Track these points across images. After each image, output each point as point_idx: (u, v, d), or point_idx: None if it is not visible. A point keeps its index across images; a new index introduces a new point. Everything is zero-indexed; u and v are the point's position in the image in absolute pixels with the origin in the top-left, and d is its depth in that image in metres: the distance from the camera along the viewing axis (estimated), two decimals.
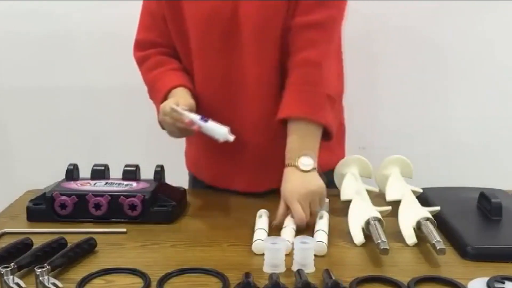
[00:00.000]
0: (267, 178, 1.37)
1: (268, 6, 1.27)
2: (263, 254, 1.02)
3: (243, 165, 1.39)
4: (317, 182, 1.22)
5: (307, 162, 1.23)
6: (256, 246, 1.08)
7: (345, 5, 1.34)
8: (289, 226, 1.16)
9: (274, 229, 1.17)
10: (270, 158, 1.35)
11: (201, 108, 1.32)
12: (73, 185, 1.29)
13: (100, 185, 1.29)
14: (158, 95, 1.34)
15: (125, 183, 1.31)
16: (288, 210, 1.20)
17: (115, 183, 1.30)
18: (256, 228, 1.15)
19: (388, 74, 2.05)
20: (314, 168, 1.23)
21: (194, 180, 1.54)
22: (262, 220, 1.19)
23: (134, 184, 1.30)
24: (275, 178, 1.27)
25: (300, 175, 1.22)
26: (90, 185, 1.29)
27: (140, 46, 1.42)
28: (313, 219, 1.20)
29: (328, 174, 1.33)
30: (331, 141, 1.31)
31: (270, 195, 1.37)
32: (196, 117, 1.22)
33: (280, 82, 1.32)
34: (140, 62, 1.42)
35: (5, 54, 2.05)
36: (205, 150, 1.45)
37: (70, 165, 1.35)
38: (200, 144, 1.45)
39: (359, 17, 1.98)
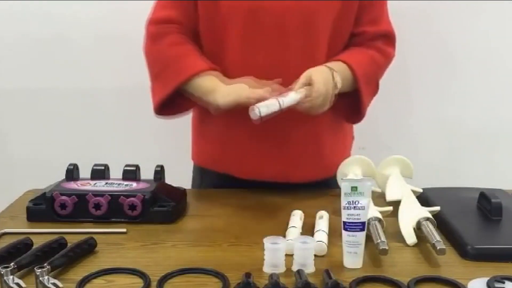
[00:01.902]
0: (302, 169, 1.39)
1: (315, 4, 1.30)
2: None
3: (280, 155, 1.38)
4: (331, 102, 1.28)
5: (339, 82, 1.29)
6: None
7: None
8: (293, 226, 1.16)
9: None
10: (311, 150, 1.35)
11: None
12: (73, 185, 1.29)
13: (100, 185, 1.29)
14: (182, 73, 1.31)
15: (125, 183, 1.31)
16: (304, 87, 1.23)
17: (115, 183, 1.30)
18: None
19: (388, 74, 2.05)
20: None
21: (202, 175, 1.52)
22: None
23: (134, 184, 1.30)
24: (309, 171, 1.37)
25: (331, 81, 1.27)
26: (90, 185, 1.29)
27: (158, 21, 1.37)
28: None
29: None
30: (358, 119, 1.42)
31: (268, 194, 1.37)
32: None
33: None
34: (158, 35, 1.36)
35: (5, 55, 2.05)
36: (238, 144, 1.40)
37: (70, 165, 1.35)
38: (232, 138, 1.40)
39: None
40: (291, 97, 1.21)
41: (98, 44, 2.02)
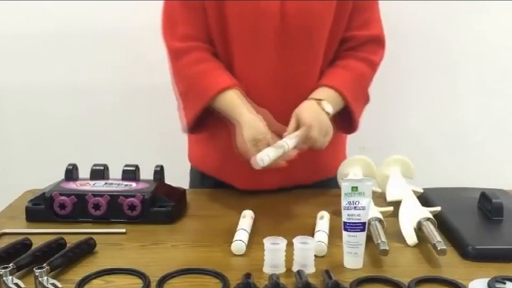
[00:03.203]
0: (297, 174, 1.38)
1: (315, 4, 1.29)
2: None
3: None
4: (331, 128, 1.28)
5: (329, 106, 1.29)
6: (236, 247, 1.08)
7: None
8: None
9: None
10: (306, 154, 1.32)
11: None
12: (72, 185, 1.29)
13: (99, 185, 1.29)
14: (207, 92, 1.30)
15: (125, 183, 1.30)
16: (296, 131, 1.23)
17: (115, 183, 1.30)
18: (238, 228, 1.15)
19: (388, 74, 2.05)
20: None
21: (202, 179, 1.52)
22: (245, 220, 1.19)
23: (133, 184, 1.30)
24: (303, 174, 1.38)
25: (322, 112, 1.28)
26: (90, 185, 1.29)
27: (181, 38, 1.35)
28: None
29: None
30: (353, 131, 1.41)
31: (268, 194, 1.37)
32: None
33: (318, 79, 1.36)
34: (180, 53, 1.35)
35: (4, 54, 2.05)
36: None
37: (69, 165, 1.35)
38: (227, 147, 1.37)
39: None
40: (289, 143, 1.21)
41: (99, 44, 2.02)
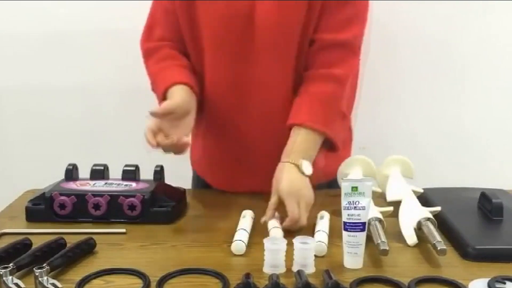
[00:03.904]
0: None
1: (285, 7, 1.26)
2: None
3: (250, 169, 1.38)
4: (312, 191, 1.22)
5: (309, 167, 1.23)
6: (236, 247, 1.08)
7: (366, 21, 1.35)
8: (276, 227, 1.16)
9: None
10: (277, 161, 1.30)
11: (210, 110, 1.33)
12: (72, 185, 1.29)
13: (99, 185, 1.29)
14: (159, 89, 1.32)
15: (125, 183, 1.30)
16: (278, 206, 1.20)
17: (115, 183, 1.30)
18: (238, 228, 1.15)
19: (389, 74, 2.05)
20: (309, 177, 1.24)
21: (197, 178, 1.53)
22: (245, 220, 1.19)
23: (133, 184, 1.30)
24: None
25: (300, 177, 1.22)
26: (90, 185, 1.29)
27: (150, 38, 1.38)
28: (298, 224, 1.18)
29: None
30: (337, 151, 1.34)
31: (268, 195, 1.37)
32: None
33: (292, 89, 1.33)
34: (149, 53, 1.38)
35: (4, 54, 2.05)
36: (210, 154, 1.43)
37: (69, 165, 1.35)
38: (206, 147, 1.43)
39: None
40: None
41: (99, 43, 2.02)
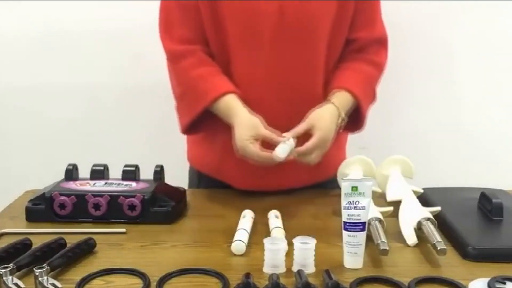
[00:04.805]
0: (296, 176, 1.39)
1: (314, 5, 1.29)
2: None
3: (281, 166, 1.32)
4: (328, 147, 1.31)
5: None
6: (236, 247, 1.08)
7: None
8: (277, 227, 1.16)
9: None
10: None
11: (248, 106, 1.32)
12: (72, 185, 1.29)
13: (99, 185, 1.29)
14: (205, 96, 1.31)
15: (125, 183, 1.30)
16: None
17: (115, 183, 1.30)
18: (238, 228, 1.15)
19: (389, 74, 2.05)
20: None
21: (200, 178, 1.52)
22: (245, 220, 1.19)
23: (133, 184, 1.30)
24: (302, 176, 1.38)
25: (336, 120, 1.31)
26: (90, 185, 1.29)
27: (173, 38, 1.36)
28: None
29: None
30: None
31: (268, 195, 1.37)
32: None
33: (323, 87, 1.36)
34: (178, 56, 1.36)
35: (4, 54, 2.05)
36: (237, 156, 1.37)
37: (69, 165, 1.35)
38: (229, 150, 1.36)
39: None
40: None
41: (99, 43, 2.02)
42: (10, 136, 2.13)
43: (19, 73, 2.07)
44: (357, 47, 1.40)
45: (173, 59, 1.37)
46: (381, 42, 1.43)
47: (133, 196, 1.23)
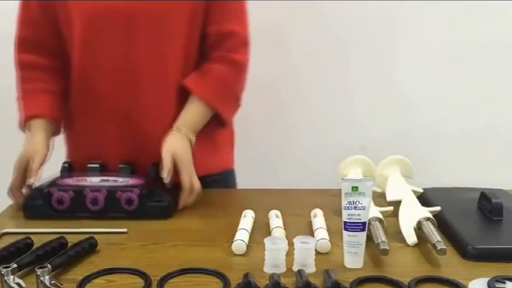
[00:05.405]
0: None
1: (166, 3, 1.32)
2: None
3: (146, 155, 1.39)
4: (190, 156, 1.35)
5: (193, 139, 1.36)
6: (236, 246, 1.08)
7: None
8: (277, 227, 1.16)
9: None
10: None
11: (94, 99, 1.38)
12: (69, 181, 1.30)
13: (95, 181, 1.29)
14: (22, 113, 1.42)
15: (121, 179, 1.31)
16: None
17: (111, 179, 1.30)
18: (238, 227, 1.15)
19: (389, 74, 2.05)
20: None
21: None
22: (245, 220, 1.19)
23: (129, 180, 1.30)
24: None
25: (189, 147, 1.34)
26: (86, 181, 1.29)
27: (23, 45, 1.44)
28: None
29: (219, 175, 1.51)
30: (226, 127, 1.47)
31: (268, 195, 1.37)
32: None
33: (181, 77, 1.38)
34: (22, 66, 1.44)
35: (4, 54, 2.05)
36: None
37: (64, 163, 1.36)
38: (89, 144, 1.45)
39: (360, 17, 1.98)
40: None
41: None
42: (11, 136, 2.13)
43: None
44: (210, 43, 1.39)
45: (17, 65, 1.46)
46: (236, 38, 1.40)
47: (131, 191, 1.24)
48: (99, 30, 1.33)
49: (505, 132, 2.08)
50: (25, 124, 1.40)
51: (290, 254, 1.02)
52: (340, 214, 1.04)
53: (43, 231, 1.16)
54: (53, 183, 1.28)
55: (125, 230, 1.19)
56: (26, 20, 1.42)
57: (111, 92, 1.37)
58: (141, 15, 1.31)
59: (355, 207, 1.02)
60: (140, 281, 0.97)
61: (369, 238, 1.06)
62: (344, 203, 1.03)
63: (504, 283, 0.94)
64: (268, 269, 1.00)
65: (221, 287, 0.95)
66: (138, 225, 1.22)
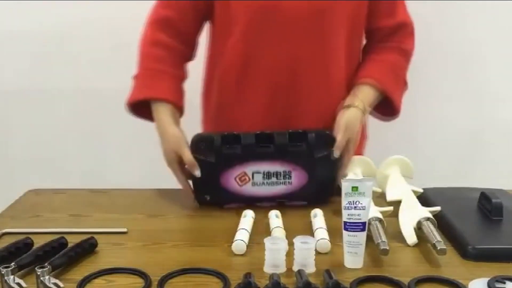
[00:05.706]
0: None
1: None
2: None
3: None
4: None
5: (367, 107, 1.37)
6: (237, 246, 1.08)
7: None
8: (277, 227, 1.16)
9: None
10: None
11: (251, 96, 1.36)
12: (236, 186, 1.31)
13: (258, 180, 1.30)
14: (144, 91, 1.36)
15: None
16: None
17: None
18: (239, 227, 1.15)
19: None
20: None
21: None
22: (245, 220, 1.19)
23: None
24: None
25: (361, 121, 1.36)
26: (248, 180, 1.30)
27: (162, 24, 1.39)
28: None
29: None
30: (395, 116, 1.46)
31: None
32: None
33: (345, 76, 1.38)
34: (157, 44, 1.39)
35: (5, 55, 2.05)
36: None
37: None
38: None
39: None
40: None
41: (99, 44, 2.02)
42: (12, 136, 2.13)
43: (20, 74, 2.07)
44: (379, 37, 1.41)
45: (146, 40, 1.40)
46: (406, 29, 1.42)
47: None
48: (262, 28, 1.31)
49: (505, 132, 2.08)
50: (142, 103, 1.36)
51: (290, 254, 1.02)
52: (340, 214, 1.04)
53: (43, 231, 1.16)
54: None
55: (125, 230, 1.19)
56: (169, 1, 1.38)
57: (270, 90, 1.36)
58: (305, 13, 1.29)
59: (355, 207, 1.02)
60: (140, 281, 0.97)
61: (369, 238, 1.06)
62: (344, 203, 1.03)
63: (504, 283, 0.94)
64: (268, 269, 1.00)
65: (221, 287, 0.95)
66: (138, 225, 1.22)
